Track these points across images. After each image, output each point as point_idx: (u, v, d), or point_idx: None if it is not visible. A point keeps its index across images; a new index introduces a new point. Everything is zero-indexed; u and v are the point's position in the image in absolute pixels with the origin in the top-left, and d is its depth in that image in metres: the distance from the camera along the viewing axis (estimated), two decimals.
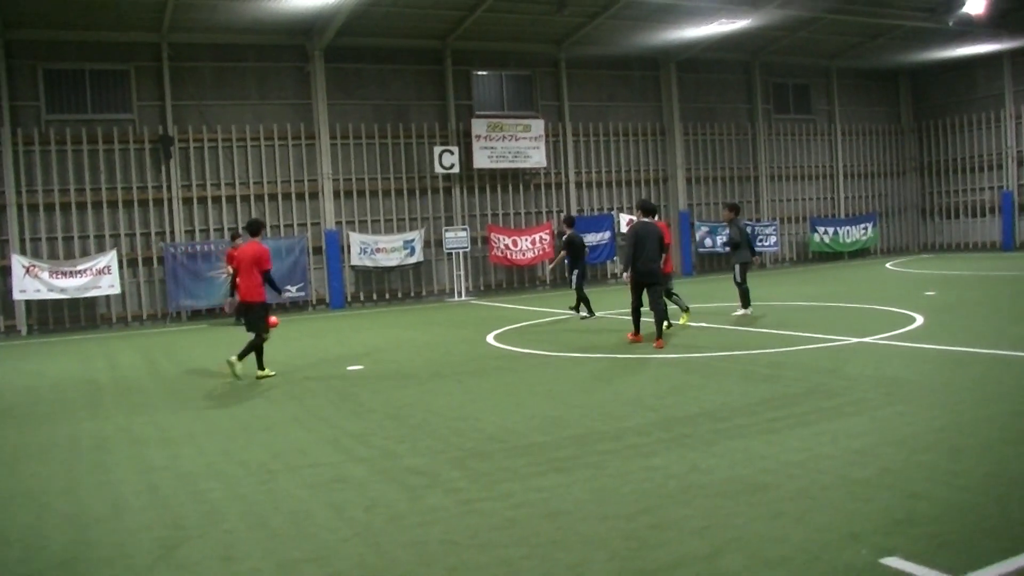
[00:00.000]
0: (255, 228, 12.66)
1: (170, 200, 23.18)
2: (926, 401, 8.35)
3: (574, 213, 26.93)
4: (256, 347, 12.20)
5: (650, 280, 13.44)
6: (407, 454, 7.44)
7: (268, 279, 12.29)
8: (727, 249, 19.37)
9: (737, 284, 16.93)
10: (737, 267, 16.93)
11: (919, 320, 14.27)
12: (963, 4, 26.38)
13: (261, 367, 12.30)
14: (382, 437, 8.16)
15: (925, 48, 31.69)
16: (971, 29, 29.80)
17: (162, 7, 21.15)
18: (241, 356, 12.22)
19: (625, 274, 13.78)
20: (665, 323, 13.47)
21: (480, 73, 27.37)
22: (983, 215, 33.60)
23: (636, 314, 13.71)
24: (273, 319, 12.67)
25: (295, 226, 24.48)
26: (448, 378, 11.37)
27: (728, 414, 8.27)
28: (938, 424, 7.42)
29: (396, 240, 25.12)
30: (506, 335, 15.70)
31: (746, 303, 16.78)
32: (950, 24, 28.89)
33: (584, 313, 17.87)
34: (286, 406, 10.07)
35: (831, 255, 32.43)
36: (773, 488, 5.91)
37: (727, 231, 18.60)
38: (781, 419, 7.95)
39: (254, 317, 12.37)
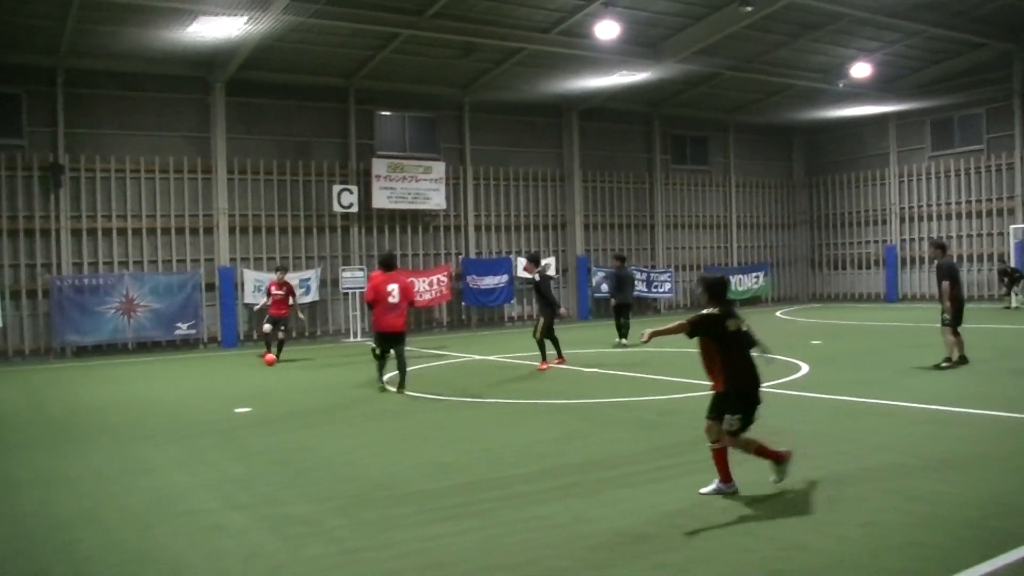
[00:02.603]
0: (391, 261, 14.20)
1: (58, 231, 22.35)
2: (809, 451, 8.53)
3: (470, 253, 27.00)
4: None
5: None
6: (291, 501, 7.26)
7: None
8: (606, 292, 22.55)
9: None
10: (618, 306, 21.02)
11: (804, 369, 14.66)
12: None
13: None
14: (266, 483, 7.96)
15: (818, 107, 33.05)
16: (860, 92, 31.25)
17: (59, 31, 20.54)
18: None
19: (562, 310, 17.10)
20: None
21: (384, 113, 27.33)
22: (869, 268, 34.94)
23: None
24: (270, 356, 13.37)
25: (188, 262, 23.89)
26: (338, 422, 11.19)
27: (617, 462, 8.32)
28: (819, 474, 7.57)
29: (292, 279, 24.68)
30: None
31: (622, 335, 20.31)
32: (840, 86, 30.28)
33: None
34: (169, 449, 9.76)
35: None
36: (657, 538, 5.94)
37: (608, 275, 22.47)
38: (668, 468, 8.03)
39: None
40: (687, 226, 33.77)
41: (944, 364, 13.95)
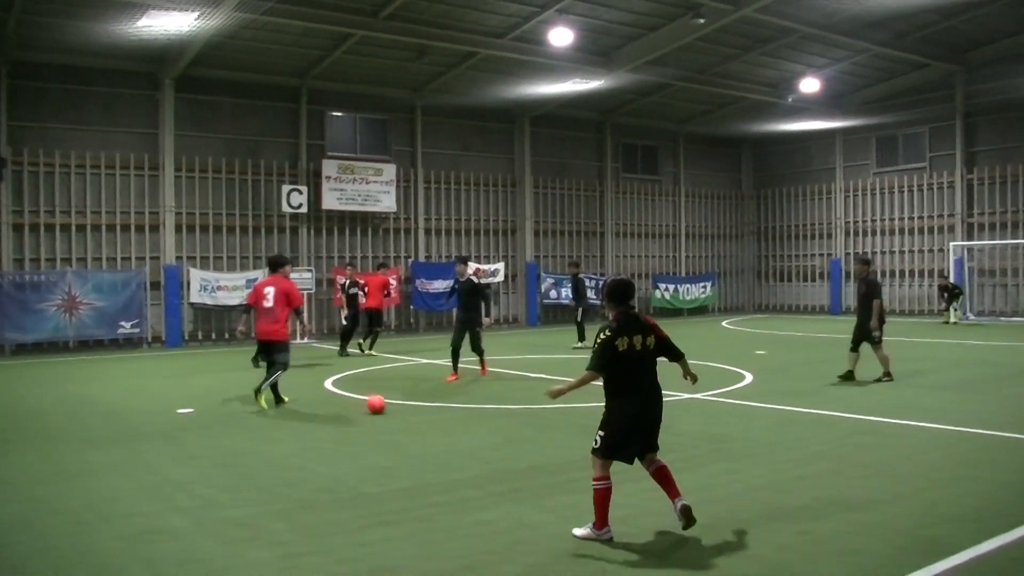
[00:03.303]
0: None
1: None
2: (751, 459, 8.66)
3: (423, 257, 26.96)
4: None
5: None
6: (231, 504, 7.19)
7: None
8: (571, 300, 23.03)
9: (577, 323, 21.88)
10: (580, 310, 22.11)
11: (748, 378, 14.84)
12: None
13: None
14: (206, 486, 7.86)
15: (767, 121, 33.52)
16: (808, 107, 31.77)
17: (3, 22, 20.08)
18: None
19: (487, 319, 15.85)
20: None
21: (335, 114, 27.18)
22: (813, 280, 35.47)
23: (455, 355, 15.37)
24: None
25: (133, 259, 23.49)
26: (281, 425, 11.09)
27: (561, 468, 8.36)
28: (761, 482, 7.70)
29: (239, 279, 24.44)
30: (346, 381, 15.47)
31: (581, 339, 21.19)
32: (789, 101, 30.76)
33: None
34: (108, 450, 9.60)
35: (671, 311, 33.44)
36: (599, 544, 5.99)
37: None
38: (612, 474, 8.05)
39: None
40: (636, 235, 34.03)
41: (885, 378, 14.15)
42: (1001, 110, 30.10)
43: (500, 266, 29.52)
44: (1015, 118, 29.91)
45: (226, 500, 7.33)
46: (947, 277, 29.57)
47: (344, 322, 20.13)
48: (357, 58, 24.73)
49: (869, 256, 16.98)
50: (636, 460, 6.40)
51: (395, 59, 25.17)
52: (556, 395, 6.59)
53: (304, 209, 25.57)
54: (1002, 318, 29.20)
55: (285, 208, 25.24)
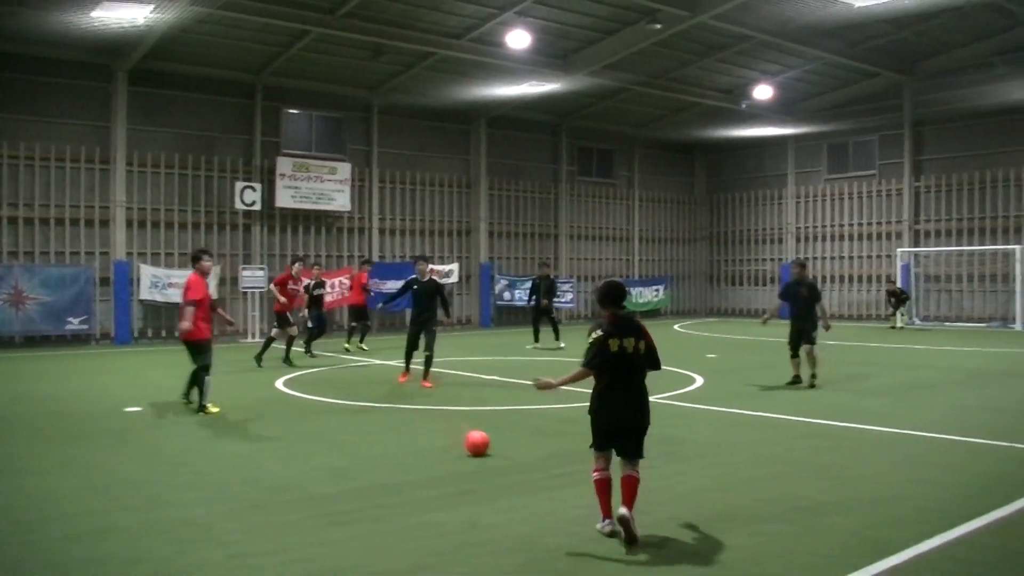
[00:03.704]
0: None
1: None
2: (701, 461, 8.76)
3: (376, 257, 26.86)
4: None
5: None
6: (181, 504, 7.12)
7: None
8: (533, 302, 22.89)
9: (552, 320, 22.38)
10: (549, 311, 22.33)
11: (699, 381, 14.99)
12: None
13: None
14: (155, 485, 7.78)
15: (721, 126, 33.91)
16: (761, 114, 32.16)
17: None
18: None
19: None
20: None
21: (291, 111, 27.00)
22: (764, 284, 35.90)
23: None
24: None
25: (83, 254, 23.16)
26: (232, 425, 10.99)
27: (514, 469, 8.39)
28: (710, 484, 7.80)
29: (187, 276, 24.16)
30: (298, 380, 15.38)
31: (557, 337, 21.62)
32: (743, 107, 31.11)
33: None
34: (56, 448, 9.45)
35: None
36: (550, 546, 6.02)
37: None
38: (565, 475, 8.13)
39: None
40: (590, 237, 34.21)
41: (815, 381, 14.26)
42: (948, 120, 30.75)
43: (454, 267, 29.51)
44: (961, 128, 30.58)
45: (175, 499, 7.26)
46: (895, 282, 30.10)
47: (309, 324, 19.82)
48: (314, 55, 24.60)
49: (805, 260, 17.26)
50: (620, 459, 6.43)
51: (352, 57, 25.08)
52: (544, 388, 6.65)
53: (258, 207, 25.39)
54: (947, 323, 29.79)
55: (238, 205, 25.05)
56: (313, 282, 20.01)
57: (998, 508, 6.87)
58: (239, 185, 25.07)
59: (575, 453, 9.08)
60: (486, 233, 30.82)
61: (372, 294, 22.66)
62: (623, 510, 6.08)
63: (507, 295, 30.71)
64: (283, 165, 25.86)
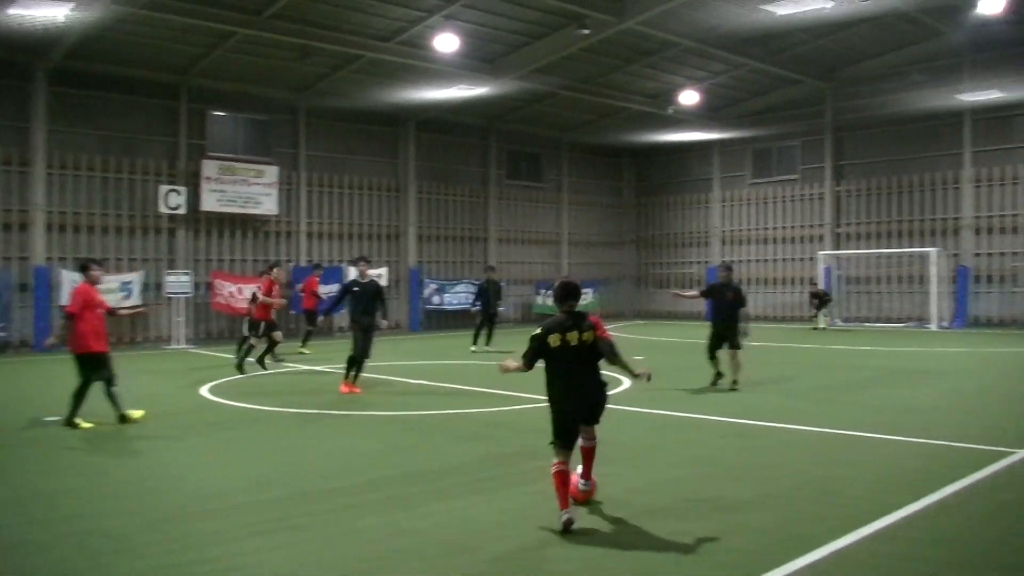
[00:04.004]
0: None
1: None
2: (627, 463, 8.83)
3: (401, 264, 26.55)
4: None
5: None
6: (100, 515, 6.95)
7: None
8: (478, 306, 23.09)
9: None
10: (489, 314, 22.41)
11: (626, 383, 15.08)
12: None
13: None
14: (75, 497, 7.59)
15: (648, 131, 34.35)
16: (688, 119, 32.61)
17: None
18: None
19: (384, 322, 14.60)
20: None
21: (216, 113, 26.57)
22: (691, 287, 36.26)
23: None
24: None
25: None
26: (156, 433, 10.76)
27: (441, 474, 8.37)
28: (635, 484, 7.87)
29: (112, 281, 23.56)
30: (223, 387, 15.13)
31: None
32: (670, 112, 31.51)
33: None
34: None
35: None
36: (476, 550, 6.02)
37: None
38: (492, 479, 8.15)
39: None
40: (519, 241, 34.34)
41: (736, 386, 14.36)
42: (867, 126, 31.57)
43: (383, 271, 29.31)
44: (879, 134, 31.42)
45: (94, 511, 7.09)
46: (817, 284, 30.74)
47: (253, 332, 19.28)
48: (240, 56, 24.27)
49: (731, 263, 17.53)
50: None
51: (279, 59, 24.80)
52: (505, 371, 6.96)
53: (183, 210, 24.95)
54: (867, 324, 30.53)
55: (163, 209, 24.58)
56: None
57: (913, 502, 7.08)
58: (163, 188, 24.60)
59: (503, 456, 9.13)
60: (415, 237, 30.74)
61: (324, 299, 22.48)
62: (580, 483, 6.98)
63: (436, 299, 30.64)
64: (208, 168, 25.47)
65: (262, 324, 17.40)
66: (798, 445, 9.80)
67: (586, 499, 7.10)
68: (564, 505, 6.47)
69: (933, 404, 12.73)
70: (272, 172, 26.83)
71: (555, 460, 6.67)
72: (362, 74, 26.36)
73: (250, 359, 17.33)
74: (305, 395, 14.14)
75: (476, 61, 26.08)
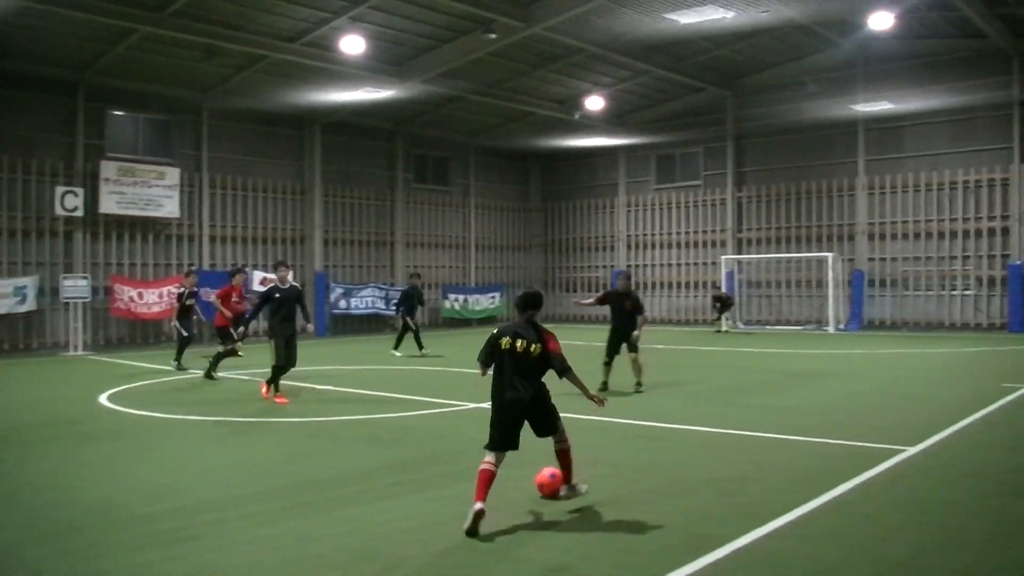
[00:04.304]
0: None
1: None
2: (532, 466, 8.84)
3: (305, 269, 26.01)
4: None
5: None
6: None
7: None
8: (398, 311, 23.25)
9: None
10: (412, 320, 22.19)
11: None
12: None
13: None
14: None
15: (555, 136, 34.60)
16: (594, 124, 32.99)
17: None
18: None
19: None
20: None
21: (116, 113, 25.86)
22: (597, 291, 36.55)
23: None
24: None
25: None
26: (49, 442, 10.42)
27: (347, 480, 8.30)
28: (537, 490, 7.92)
29: (6, 286, 22.77)
30: (123, 395, 14.73)
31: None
32: (576, 117, 31.83)
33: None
34: None
35: (461, 321, 33.84)
36: (383, 557, 5.99)
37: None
38: (399, 485, 8.11)
39: None
40: (427, 245, 34.26)
41: (640, 388, 14.51)
42: (767, 134, 32.43)
43: (289, 275, 28.88)
44: (778, 142, 32.31)
45: None
46: (720, 288, 31.40)
47: (184, 333, 18.96)
48: (141, 54, 23.62)
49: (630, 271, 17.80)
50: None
51: (181, 58, 24.26)
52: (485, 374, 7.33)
53: (80, 212, 24.18)
54: (768, 327, 31.29)
55: (59, 211, 23.77)
56: (187, 291, 19.17)
57: (811, 501, 7.29)
58: (59, 190, 23.79)
59: (410, 462, 9.11)
60: (321, 241, 30.41)
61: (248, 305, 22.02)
62: (563, 489, 7.39)
63: (343, 304, 30.36)
64: (107, 169, 24.77)
65: (228, 328, 17.18)
66: (700, 446, 10.00)
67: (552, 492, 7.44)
68: (478, 498, 6.58)
69: (830, 405, 13.12)
70: (174, 174, 26.23)
71: (485, 459, 6.89)
72: (267, 75, 25.98)
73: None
74: (209, 403, 13.86)
75: (383, 64, 25.94)
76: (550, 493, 7.47)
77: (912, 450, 9.38)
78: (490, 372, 7.24)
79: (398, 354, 21.41)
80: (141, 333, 26.00)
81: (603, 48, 26.19)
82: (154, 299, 25.12)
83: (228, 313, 17.30)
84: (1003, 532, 6.54)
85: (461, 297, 34.32)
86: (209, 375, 16.65)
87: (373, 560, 5.94)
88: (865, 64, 29.53)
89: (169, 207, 26.10)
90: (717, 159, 33.73)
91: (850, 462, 8.80)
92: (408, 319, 22.12)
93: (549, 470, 7.55)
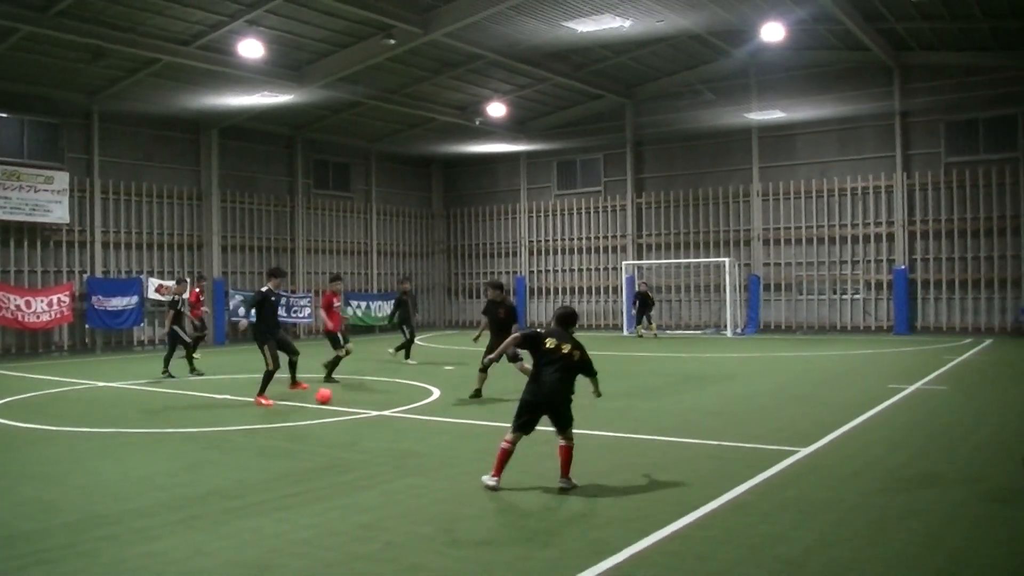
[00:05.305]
0: None
1: None
2: (434, 473, 8.87)
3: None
4: None
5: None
6: None
7: None
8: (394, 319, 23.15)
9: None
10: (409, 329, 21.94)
11: (436, 394, 15.19)
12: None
13: None
14: None
15: (456, 142, 34.64)
16: (495, 131, 33.13)
17: None
18: None
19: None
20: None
21: (0, 115, 24.96)
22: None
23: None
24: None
25: None
26: None
27: (242, 492, 8.15)
28: (442, 495, 7.90)
29: None
30: (7, 408, 14.19)
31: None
32: (477, 123, 31.92)
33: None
34: None
35: (363, 328, 33.52)
36: (278, 568, 5.90)
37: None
38: (295, 495, 7.99)
39: None
40: (328, 251, 33.88)
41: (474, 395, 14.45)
42: (664, 141, 33.07)
43: (185, 283, 28.27)
44: (675, 149, 33.01)
45: None
46: (646, 284, 31.13)
47: (186, 339, 18.53)
48: (25, 55, 22.78)
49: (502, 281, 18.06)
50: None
51: (69, 60, 23.50)
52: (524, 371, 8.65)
53: None
54: (668, 331, 31.81)
55: None
56: (178, 298, 18.70)
57: (708, 502, 7.44)
58: None
59: (304, 472, 8.98)
60: (219, 247, 29.79)
61: (205, 311, 22.66)
62: (561, 481, 8.11)
63: (242, 311, 29.74)
64: None
65: (336, 334, 17.80)
66: (598, 450, 10.08)
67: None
68: (495, 473, 8.08)
69: (726, 407, 13.41)
70: (63, 178, 25.35)
71: (506, 437, 8.24)
72: (160, 78, 25.32)
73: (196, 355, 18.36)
74: (101, 415, 13.43)
75: (281, 68, 25.58)
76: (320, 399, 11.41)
77: (805, 450, 9.66)
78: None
79: (412, 362, 21.29)
80: (30, 343, 25.06)
81: (502, 55, 26.32)
82: (43, 308, 24.28)
83: (331, 324, 17.92)
84: (886, 527, 6.78)
85: (363, 304, 34.02)
86: (329, 378, 17.20)
87: (269, 572, 5.84)
88: (758, 74, 30.42)
89: (58, 212, 25.22)
90: (617, 165, 34.21)
91: (745, 463, 9.02)
92: (404, 327, 21.83)
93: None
